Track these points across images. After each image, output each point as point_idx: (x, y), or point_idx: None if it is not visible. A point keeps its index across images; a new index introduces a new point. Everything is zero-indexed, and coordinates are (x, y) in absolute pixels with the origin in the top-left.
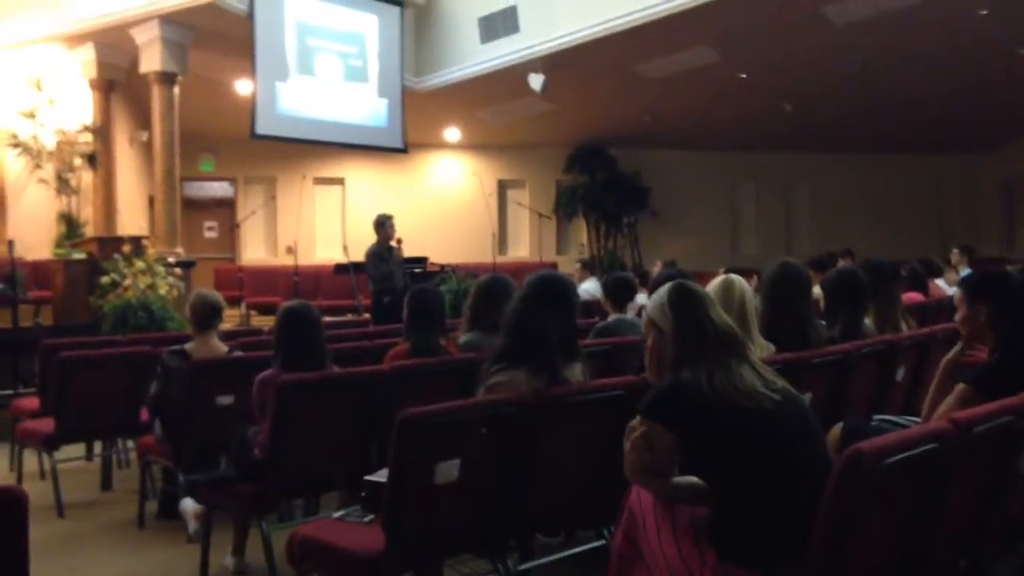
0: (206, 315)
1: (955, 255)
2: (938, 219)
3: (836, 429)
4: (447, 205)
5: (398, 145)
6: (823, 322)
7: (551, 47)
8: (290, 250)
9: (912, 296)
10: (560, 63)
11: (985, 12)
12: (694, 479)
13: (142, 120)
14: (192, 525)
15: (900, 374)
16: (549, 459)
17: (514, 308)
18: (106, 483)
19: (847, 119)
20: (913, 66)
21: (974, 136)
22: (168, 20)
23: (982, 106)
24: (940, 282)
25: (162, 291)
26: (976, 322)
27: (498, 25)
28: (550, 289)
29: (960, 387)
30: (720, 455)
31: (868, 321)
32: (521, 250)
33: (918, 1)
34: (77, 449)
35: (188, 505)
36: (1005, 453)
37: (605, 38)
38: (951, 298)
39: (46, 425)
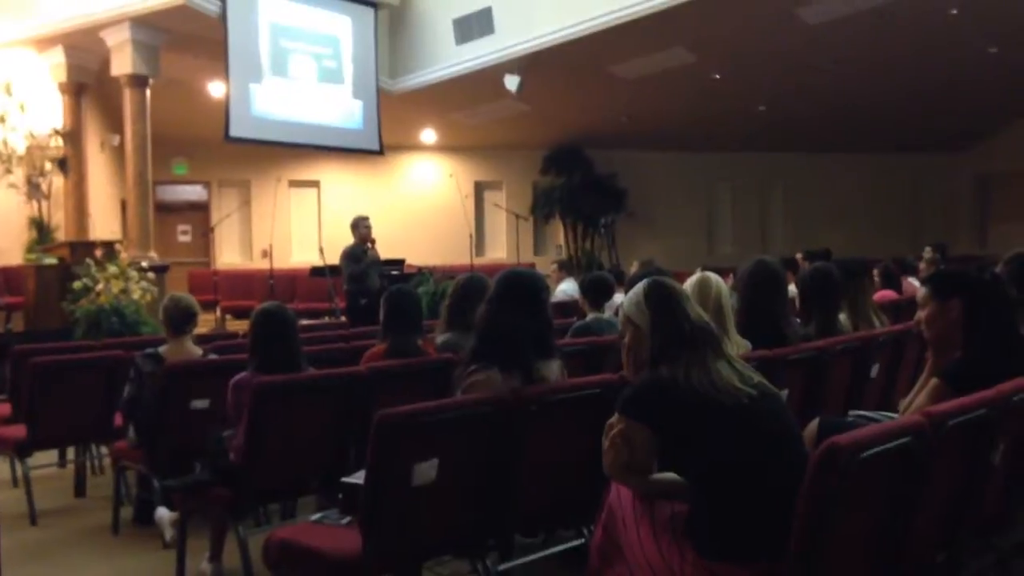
0: (180, 319)
1: (928, 253)
2: (912, 218)
3: (812, 425)
4: (424, 207)
5: (374, 147)
6: (798, 319)
7: (526, 48)
8: (265, 253)
9: (886, 294)
10: (535, 64)
11: (955, 11)
12: (673, 476)
13: (113, 123)
14: (168, 533)
15: (875, 371)
16: (528, 458)
17: (483, 308)
18: (79, 490)
19: (821, 119)
20: (886, 66)
21: (947, 135)
22: (139, 22)
23: (955, 105)
24: (913, 280)
25: (135, 296)
26: (946, 320)
27: (473, 26)
28: (516, 286)
29: (934, 382)
30: (698, 451)
31: (843, 318)
32: (498, 251)
33: (889, 1)
34: (50, 455)
35: (163, 513)
36: (979, 446)
37: (580, 39)
38: None
39: (18, 431)
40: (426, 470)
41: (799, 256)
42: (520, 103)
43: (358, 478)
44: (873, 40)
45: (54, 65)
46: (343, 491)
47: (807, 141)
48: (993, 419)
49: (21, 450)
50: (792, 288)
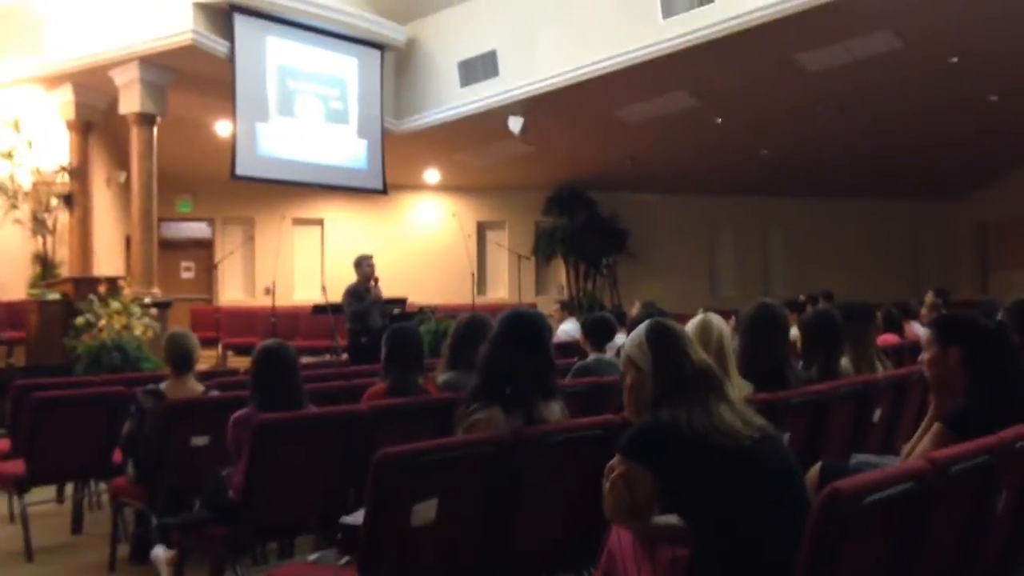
0: (179, 359)
1: (930, 298)
2: (913, 263)
3: (815, 469)
4: (426, 246)
5: (378, 186)
6: (800, 363)
7: (530, 91)
8: (268, 291)
9: (888, 338)
10: (539, 106)
11: (955, 60)
12: (674, 519)
13: (120, 160)
14: (165, 572)
15: (877, 415)
16: (528, 499)
17: (485, 347)
18: (77, 526)
19: (823, 164)
20: (886, 112)
21: (948, 181)
22: (147, 62)
23: (955, 152)
24: (915, 324)
25: (137, 332)
26: (945, 365)
27: (478, 69)
28: (518, 325)
29: (936, 427)
30: (699, 494)
31: (845, 362)
32: (500, 291)
33: (890, 49)
34: (47, 491)
35: (159, 552)
36: (982, 493)
37: (583, 83)
38: None
39: (17, 466)
40: (425, 510)
41: (803, 298)
42: (523, 144)
43: (357, 518)
44: (873, 87)
45: (63, 103)
46: (341, 531)
47: (809, 185)
48: (995, 466)
49: (19, 485)
50: (794, 331)
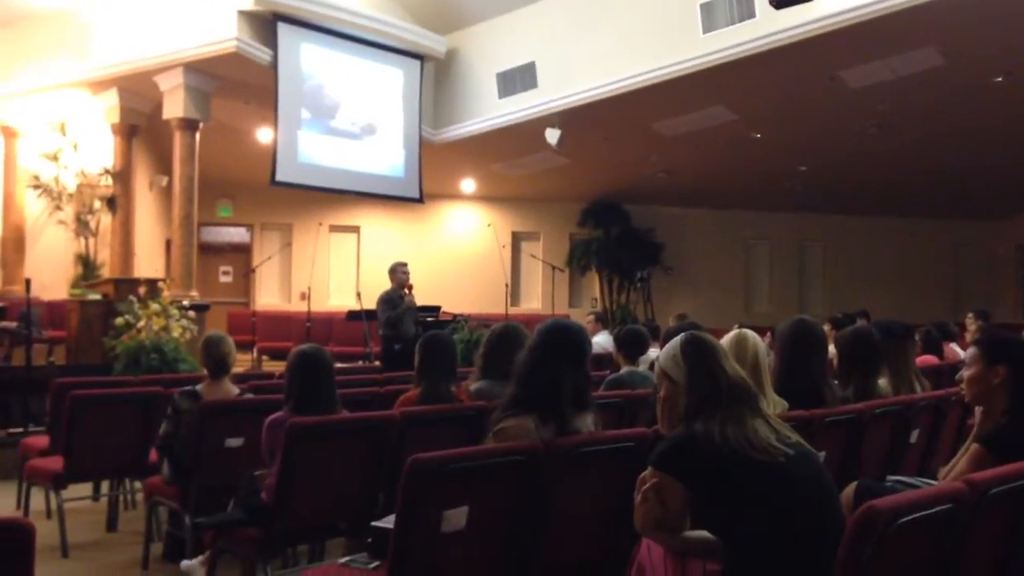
0: (217, 360)
1: (970, 320)
2: (953, 284)
3: (850, 489)
4: (461, 255)
5: (415, 195)
6: (836, 381)
7: (568, 103)
8: (304, 296)
9: (927, 359)
10: (576, 119)
11: (1000, 79)
12: (705, 533)
13: (163, 164)
14: (198, 574)
15: (914, 436)
16: (559, 509)
17: (525, 356)
18: (111, 524)
19: (862, 182)
20: (929, 131)
21: (990, 201)
22: (192, 68)
23: (998, 172)
24: (955, 346)
25: (175, 333)
26: (989, 383)
27: (516, 80)
28: (561, 338)
29: (974, 448)
30: (732, 509)
31: (883, 382)
32: (534, 302)
33: (934, 67)
34: (84, 488)
35: (189, 565)
36: (1021, 516)
37: (621, 96)
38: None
39: (55, 463)
40: (456, 517)
41: (840, 315)
42: (560, 156)
43: (388, 522)
44: (916, 106)
45: (108, 107)
46: (373, 535)
47: (848, 203)
48: None
49: (57, 482)
50: (831, 349)
